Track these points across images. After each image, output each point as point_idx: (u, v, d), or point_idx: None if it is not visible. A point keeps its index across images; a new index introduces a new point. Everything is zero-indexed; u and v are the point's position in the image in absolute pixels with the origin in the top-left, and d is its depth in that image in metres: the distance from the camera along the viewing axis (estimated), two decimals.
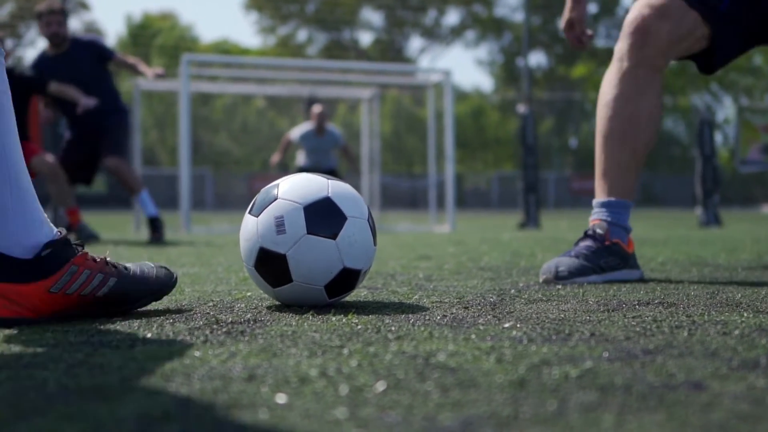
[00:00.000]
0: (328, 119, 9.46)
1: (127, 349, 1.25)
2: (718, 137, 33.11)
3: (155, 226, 5.51)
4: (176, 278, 1.76)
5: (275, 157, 9.41)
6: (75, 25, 35.43)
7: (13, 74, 5.52)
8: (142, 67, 5.98)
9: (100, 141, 5.71)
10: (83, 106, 5.27)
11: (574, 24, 2.69)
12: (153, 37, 35.44)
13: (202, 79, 11.53)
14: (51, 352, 1.22)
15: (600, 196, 2.46)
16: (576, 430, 0.79)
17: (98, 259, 1.60)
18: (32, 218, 1.50)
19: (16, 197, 1.49)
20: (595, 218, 2.46)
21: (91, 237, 5.29)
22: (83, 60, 5.79)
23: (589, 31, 2.68)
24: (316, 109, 9.24)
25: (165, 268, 1.75)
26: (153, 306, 1.79)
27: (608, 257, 2.36)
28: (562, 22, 2.72)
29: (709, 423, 0.81)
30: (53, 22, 5.72)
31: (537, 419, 0.83)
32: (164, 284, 1.72)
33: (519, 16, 37.97)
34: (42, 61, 5.84)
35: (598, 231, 2.41)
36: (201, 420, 0.83)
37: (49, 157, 5.40)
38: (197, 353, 1.21)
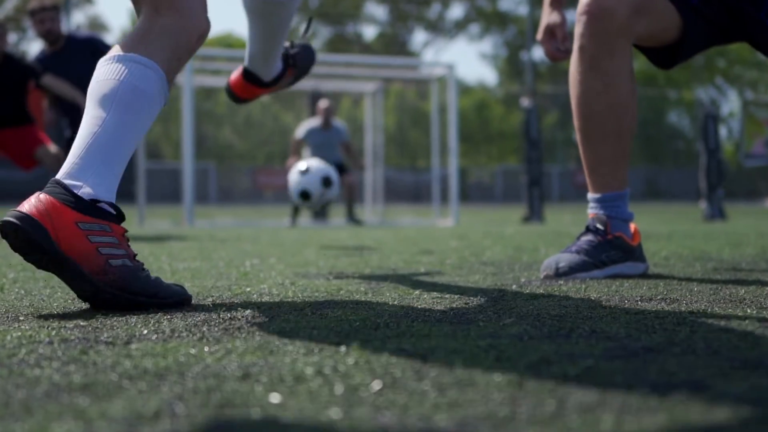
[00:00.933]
0: (334, 114, 9.47)
1: (122, 346, 1.24)
2: (723, 131, 32.99)
3: None
4: (190, 298, 1.73)
5: (291, 161, 9.30)
6: (79, 19, 35.40)
7: (12, 59, 5.50)
8: None
9: None
10: (83, 106, 5.25)
11: (555, 29, 2.48)
12: None
13: (206, 73, 11.51)
14: (45, 349, 1.21)
15: (593, 191, 2.43)
16: (574, 431, 0.78)
17: (129, 246, 1.68)
18: (110, 185, 1.65)
19: (117, 159, 1.67)
20: (593, 212, 2.43)
21: None
22: (79, 57, 5.75)
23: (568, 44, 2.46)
24: (323, 104, 9.26)
25: (181, 287, 1.75)
26: None
27: (610, 251, 2.34)
28: (539, 32, 2.52)
29: (711, 425, 0.79)
30: (46, 19, 5.67)
31: (535, 420, 0.81)
32: (173, 294, 1.69)
33: (523, 10, 37.87)
34: (40, 60, 5.82)
35: (599, 226, 2.38)
36: (192, 420, 0.82)
37: (54, 149, 5.40)
38: (193, 350, 1.20)
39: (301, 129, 9.32)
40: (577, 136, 2.42)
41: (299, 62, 2.48)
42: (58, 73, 5.60)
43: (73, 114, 5.73)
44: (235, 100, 2.54)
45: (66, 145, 5.89)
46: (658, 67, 2.49)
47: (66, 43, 5.79)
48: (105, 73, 1.72)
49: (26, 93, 5.53)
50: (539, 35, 2.52)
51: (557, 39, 2.50)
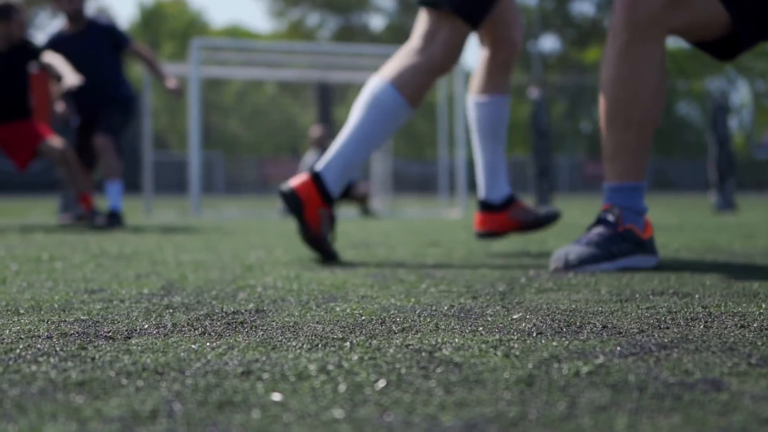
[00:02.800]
0: (327, 140, 9.42)
1: (122, 341, 1.22)
2: (734, 122, 32.77)
3: (112, 220, 5.32)
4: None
5: None
6: (86, 10, 35.40)
7: (24, 45, 5.34)
8: (160, 68, 5.85)
9: (98, 120, 5.65)
10: (67, 84, 5.09)
11: None
12: (163, 21, 35.36)
13: (213, 64, 11.48)
14: (43, 344, 1.18)
15: (610, 180, 2.39)
16: None
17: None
18: (341, 185, 2.62)
19: (354, 164, 2.64)
20: (607, 203, 2.40)
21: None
22: (98, 42, 5.71)
23: None
24: (315, 132, 9.33)
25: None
26: (154, 294, 1.76)
27: (621, 243, 2.30)
28: None
29: (729, 426, 0.76)
30: None
31: (545, 421, 0.78)
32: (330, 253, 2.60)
33: (532, 0, 37.67)
34: (57, 38, 5.78)
35: (610, 217, 2.34)
36: (189, 420, 0.79)
37: (57, 141, 5.23)
38: (194, 346, 1.17)
39: (307, 160, 9.38)
40: (601, 122, 2.40)
41: (541, 221, 2.94)
42: (74, 54, 5.54)
43: (80, 102, 5.69)
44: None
45: (77, 135, 5.83)
46: (719, 59, 2.52)
47: (87, 27, 5.75)
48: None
49: (28, 81, 5.36)
50: None
51: None
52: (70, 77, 5.03)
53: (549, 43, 39.33)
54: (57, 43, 5.70)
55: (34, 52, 5.27)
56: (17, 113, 5.30)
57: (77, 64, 5.47)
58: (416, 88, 2.62)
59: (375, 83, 2.65)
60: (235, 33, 37.94)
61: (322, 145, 9.19)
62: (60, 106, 5.80)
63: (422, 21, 2.69)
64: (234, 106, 31.45)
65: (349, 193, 9.05)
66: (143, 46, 6.02)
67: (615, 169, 2.37)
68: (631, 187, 2.37)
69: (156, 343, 1.19)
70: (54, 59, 5.20)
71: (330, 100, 17.91)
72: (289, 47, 14.12)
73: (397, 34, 37.39)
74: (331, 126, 17.15)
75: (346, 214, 8.91)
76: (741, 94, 36.63)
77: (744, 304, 1.54)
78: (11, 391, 0.90)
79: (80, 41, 5.71)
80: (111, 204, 5.47)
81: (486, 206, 2.95)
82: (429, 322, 1.37)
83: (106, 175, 5.57)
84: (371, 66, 11.52)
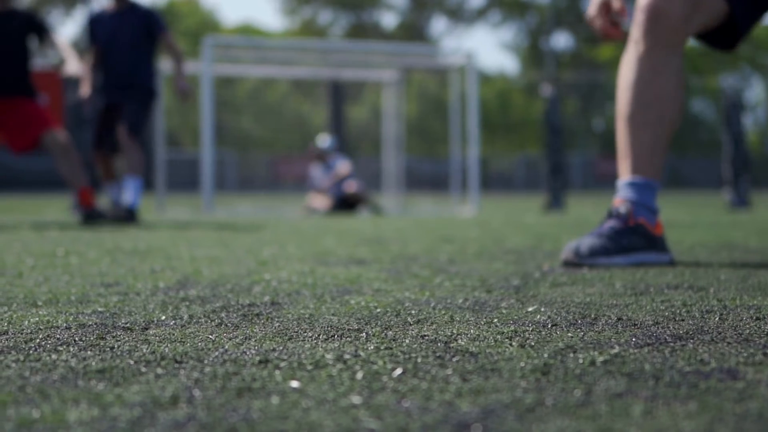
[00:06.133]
0: (329, 154, 9.42)
1: (140, 332, 1.23)
2: (748, 119, 32.59)
3: (127, 216, 5.26)
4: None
5: (316, 199, 9.28)
6: (102, 1, 35.57)
7: (16, 12, 5.14)
8: (182, 68, 5.89)
9: (122, 110, 5.67)
10: (69, 71, 5.03)
11: (612, 2, 2.45)
12: (175, 19, 35.49)
13: (225, 62, 11.52)
14: (62, 334, 1.20)
15: (624, 176, 2.40)
16: (603, 419, 0.75)
17: None
18: None
19: None
20: (619, 198, 2.39)
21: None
22: (133, 26, 5.75)
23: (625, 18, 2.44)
24: (316, 148, 9.44)
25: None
26: (169, 288, 1.77)
27: (632, 237, 2.30)
28: (591, 7, 2.47)
29: (745, 412, 0.76)
30: None
31: (561, 407, 0.79)
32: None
33: None
34: (98, 15, 5.83)
35: (621, 211, 2.34)
36: (210, 405, 0.80)
37: (62, 134, 5.02)
38: (211, 336, 1.18)
39: (315, 171, 9.50)
40: (619, 123, 2.42)
41: None
42: (108, 33, 5.63)
43: (104, 84, 5.73)
44: None
45: (100, 117, 5.84)
46: (721, 50, 2.55)
47: (128, 9, 5.80)
48: None
49: (29, 56, 5.04)
50: (591, 10, 2.49)
51: (615, 9, 2.45)
52: (72, 65, 4.99)
53: (562, 40, 39.22)
54: (97, 20, 5.78)
55: (39, 28, 5.09)
56: (13, 88, 4.98)
57: (109, 44, 5.53)
58: None
59: None
60: (247, 31, 38.03)
61: (323, 158, 9.33)
62: (84, 90, 5.75)
63: None
64: (246, 103, 31.51)
65: (346, 198, 9.03)
66: (175, 42, 6.03)
67: (629, 165, 2.38)
68: (643, 183, 2.37)
69: (173, 334, 1.20)
70: (61, 42, 5.14)
71: (342, 98, 17.95)
72: (301, 45, 14.14)
73: (409, 31, 37.37)
74: (342, 123, 17.13)
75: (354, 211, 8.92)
76: (755, 91, 36.45)
77: (759, 298, 1.54)
78: (33, 378, 0.91)
79: (118, 22, 5.75)
80: (129, 199, 5.47)
81: None
82: (444, 314, 1.38)
83: (128, 171, 5.59)
84: (383, 63, 11.53)
